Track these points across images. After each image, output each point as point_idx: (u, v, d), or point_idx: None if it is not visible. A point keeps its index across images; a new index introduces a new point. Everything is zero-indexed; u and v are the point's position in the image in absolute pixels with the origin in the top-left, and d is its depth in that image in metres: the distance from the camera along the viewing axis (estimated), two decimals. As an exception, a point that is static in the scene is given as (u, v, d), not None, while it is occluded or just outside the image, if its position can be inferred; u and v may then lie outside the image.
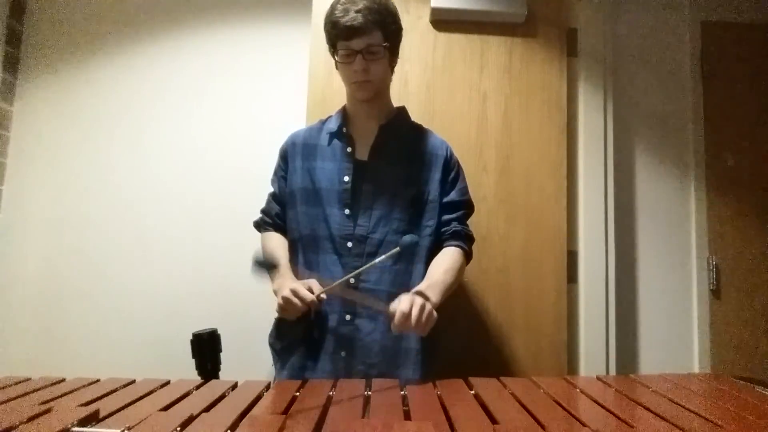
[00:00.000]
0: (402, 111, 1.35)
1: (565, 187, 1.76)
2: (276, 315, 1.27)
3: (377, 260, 1.09)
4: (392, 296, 1.11)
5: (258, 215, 1.37)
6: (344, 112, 1.33)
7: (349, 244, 1.18)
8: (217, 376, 1.42)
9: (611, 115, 1.85)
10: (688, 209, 1.90)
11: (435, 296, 1.10)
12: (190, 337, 1.43)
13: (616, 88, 1.89)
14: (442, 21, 1.80)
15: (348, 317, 1.17)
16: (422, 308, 1.01)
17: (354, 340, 1.16)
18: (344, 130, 1.28)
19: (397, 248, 1.08)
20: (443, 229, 1.25)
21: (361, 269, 1.10)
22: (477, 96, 1.78)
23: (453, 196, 1.28)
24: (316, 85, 1.73)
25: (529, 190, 1.75)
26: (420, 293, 1.07)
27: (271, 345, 1.29)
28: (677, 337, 1.84)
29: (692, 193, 1.90)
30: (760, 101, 1.94)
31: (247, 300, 1.81)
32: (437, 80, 1.79)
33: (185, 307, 1.80)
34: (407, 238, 1.10)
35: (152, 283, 1.82)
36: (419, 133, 1.34)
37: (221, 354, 1.47)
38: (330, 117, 1.35)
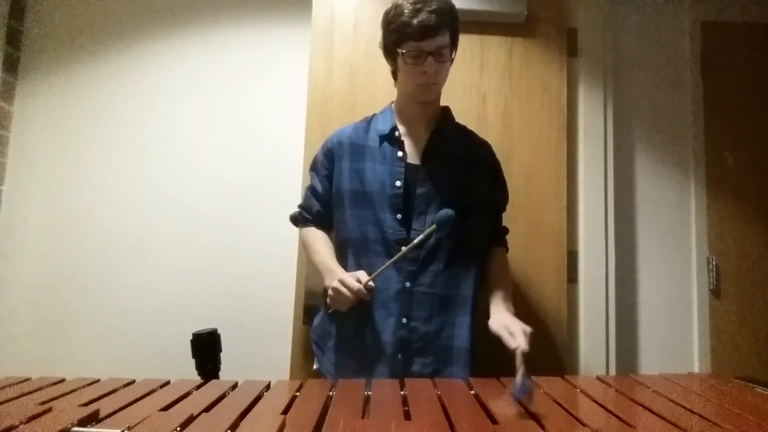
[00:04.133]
0: (447, 111, 1.34)
1: (565, 187, 1.76)
2: (323, 311, 1.27)
3: (416, 240, 1.12)
4: (445, 300, 1.19)
5: (295, 209, 1.36)
6: (394, 112, 1.29)
7: (404, 249, 1.14)
8: (217, 376, 1.42)
9: (611, 115, 1.85)
10: (688, 209, 1.90)
11: (512, 308, 1.21)
12: (190, 337, 1.43)
13: (616, 88, 1.89)
14: (442, 21, 1.80)
15: (404, 320, 1.17)
16: (527, 336, 1.06)
17: (411, 343, 1.17)
18: (396, 133, 1.25)
19: (433, 225, 1.10)
20: (492, 232, 1.33)
21: (403, 250, 1.12)
22: (477, 96, 1.78)
23: (500, 200, 1.37)
24: (316, 85, 1.73)
25: (529, 190, 1.75)
26: (511, 318, 1.14)
27: (315, 342, 1.28)
28: (677, 337, 1.84)
29: (692, 193, 1.90)
30: (760, 101, 1.93)
31: (247, 300, 1.81)
32: (437, 80, 1.78)
33: (185, 307, 1.80)
34: (442, 212, 1.10)
35: (152, 283, 1.82)
36: (465, 135, 1.35)
37: (221, 354, 1.47)
38: (375, 116, 1.32)
